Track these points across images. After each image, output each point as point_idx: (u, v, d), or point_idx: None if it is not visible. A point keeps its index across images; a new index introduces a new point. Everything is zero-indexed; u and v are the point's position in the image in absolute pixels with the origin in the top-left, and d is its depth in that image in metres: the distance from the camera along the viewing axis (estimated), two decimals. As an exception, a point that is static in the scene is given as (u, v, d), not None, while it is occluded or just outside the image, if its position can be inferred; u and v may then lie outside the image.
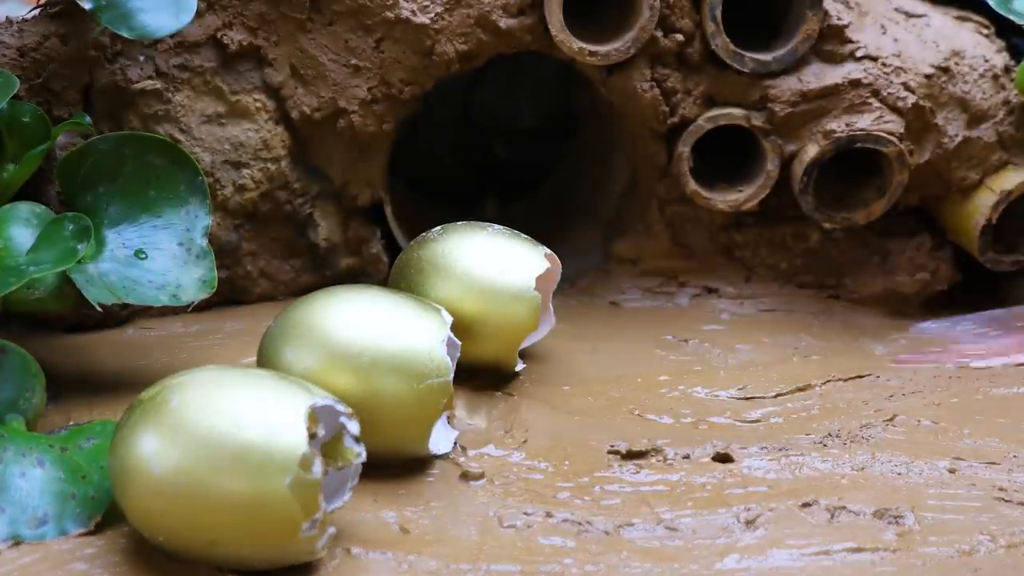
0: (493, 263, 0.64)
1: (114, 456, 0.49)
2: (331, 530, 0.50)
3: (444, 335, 0.57)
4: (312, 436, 0.48)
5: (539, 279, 0.64)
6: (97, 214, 0.63)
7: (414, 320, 0.57)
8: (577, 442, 0.61)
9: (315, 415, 0.49)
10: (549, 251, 0.66)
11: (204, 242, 0.63)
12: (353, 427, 0.51)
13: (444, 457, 0.58)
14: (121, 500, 0.49)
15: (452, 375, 0.57)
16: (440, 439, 0.58)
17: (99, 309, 0.61)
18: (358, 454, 0.51)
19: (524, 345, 0.66)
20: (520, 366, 0.66)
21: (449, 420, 0.60)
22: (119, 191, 0.63)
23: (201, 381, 0.50)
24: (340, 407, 0.51)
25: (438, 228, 0.67)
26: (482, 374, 0.65)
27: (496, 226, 0.67)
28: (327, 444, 0.51)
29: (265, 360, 0.57)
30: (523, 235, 0.67)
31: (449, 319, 0.59)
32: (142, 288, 0.61)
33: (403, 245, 0.74)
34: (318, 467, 0.48)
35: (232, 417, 0.48)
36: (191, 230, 0.63)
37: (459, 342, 0.61)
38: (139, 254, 0.62)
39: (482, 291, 0.64)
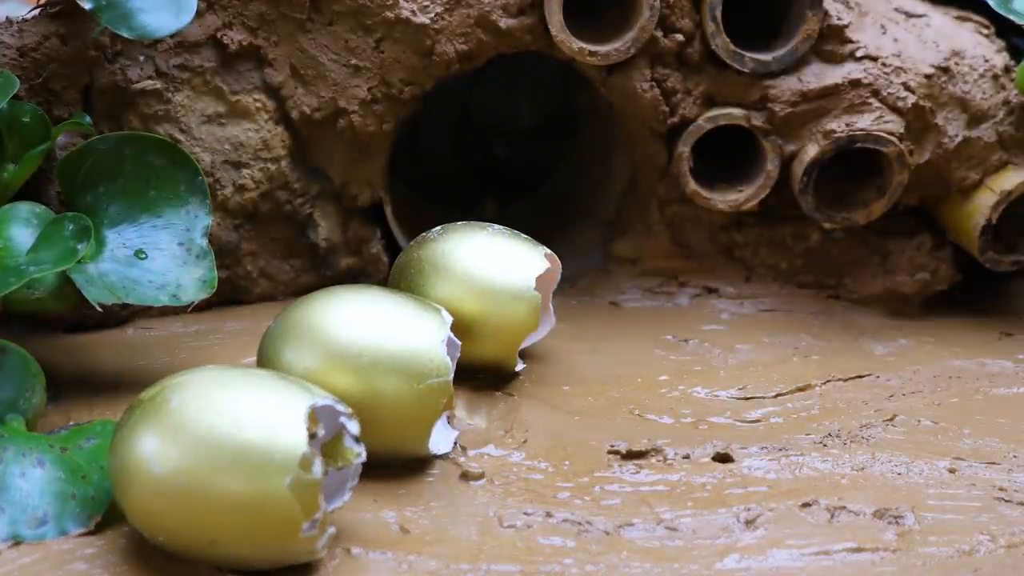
0: (493, 263, 0.64)
1: (114, 456, 0.49)
2: (331, 530, 0.50)
3: (444, 335, 0.57)
4: (312, 436, 0.48)
5: (539, 279, 0.64)
6: (97, 214, 0.62)
7: (414, 320, 0.57)
8: (577, 442, 0.61)
9: (315, 415, 0.49)
10: (549, 251, 0.66)
11: (204, 242, 0.63)
12: (353, 427, 0.51)
13: (444, 457, 0.58)
14: (121, 500, 0.49)
15: (452, 375, 0.57)
16: (440, 439, 0.58)
17: (99, 309, 0.61)
18: (358, 454, 0.51)
19: (524, 345, 0.66)
20: (520, 366, 0.66)
21: (449, 420, 0.60)
22: (119, 191, 0.63)
23: (201, 381, 0.50)
24: (340, 407, 0.50)
25: (438, 228, 0.67)
26: (482, 374, 0.65)
27: (496, 226, 0.67)
28: (327, 444, 0.51)
29: (265, 360, 0.57)
30: (523, 235, 0.67)
31: (449, 319, 0.59)
32: (142, 288, 0.61)
33: (403, 245, 0.74)
34: (318, 467, 0.48)
35: (232, 417, 0.48)
36: (191, 230, 0.63)
37: (459, 342, 0.61)
38: (139, 254, 0.62)
39: (482, 291, 0.64)
